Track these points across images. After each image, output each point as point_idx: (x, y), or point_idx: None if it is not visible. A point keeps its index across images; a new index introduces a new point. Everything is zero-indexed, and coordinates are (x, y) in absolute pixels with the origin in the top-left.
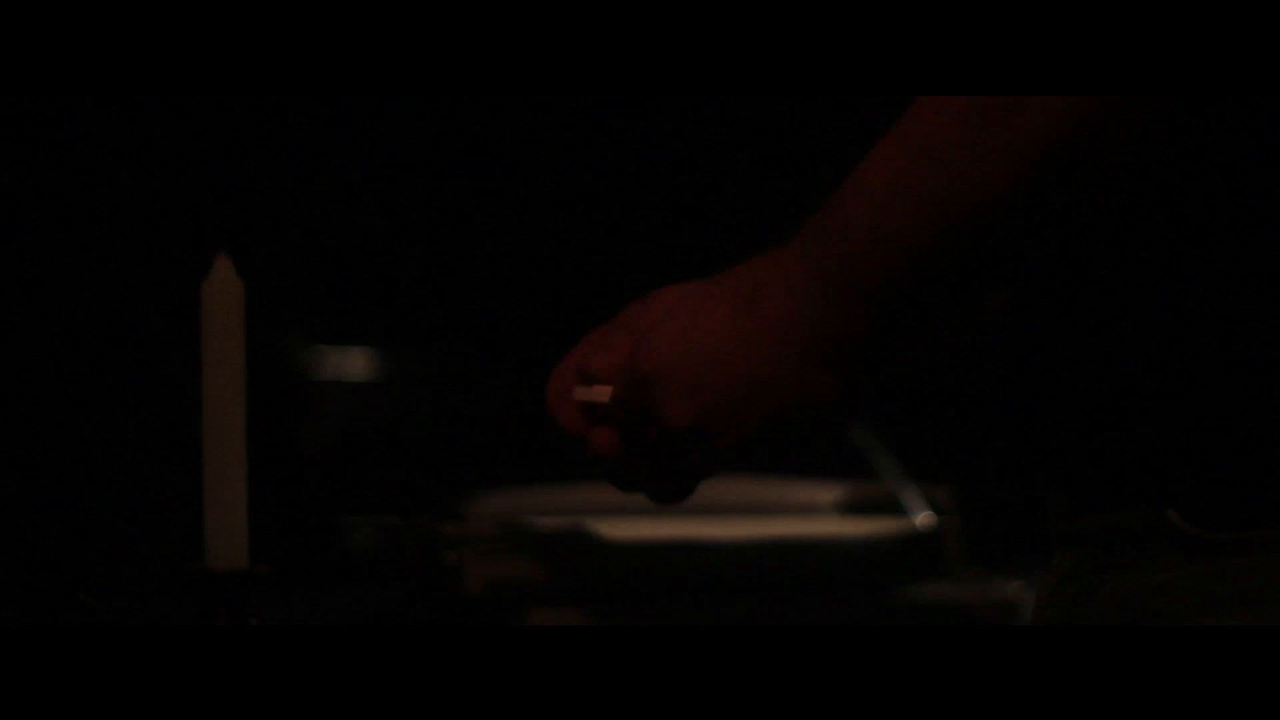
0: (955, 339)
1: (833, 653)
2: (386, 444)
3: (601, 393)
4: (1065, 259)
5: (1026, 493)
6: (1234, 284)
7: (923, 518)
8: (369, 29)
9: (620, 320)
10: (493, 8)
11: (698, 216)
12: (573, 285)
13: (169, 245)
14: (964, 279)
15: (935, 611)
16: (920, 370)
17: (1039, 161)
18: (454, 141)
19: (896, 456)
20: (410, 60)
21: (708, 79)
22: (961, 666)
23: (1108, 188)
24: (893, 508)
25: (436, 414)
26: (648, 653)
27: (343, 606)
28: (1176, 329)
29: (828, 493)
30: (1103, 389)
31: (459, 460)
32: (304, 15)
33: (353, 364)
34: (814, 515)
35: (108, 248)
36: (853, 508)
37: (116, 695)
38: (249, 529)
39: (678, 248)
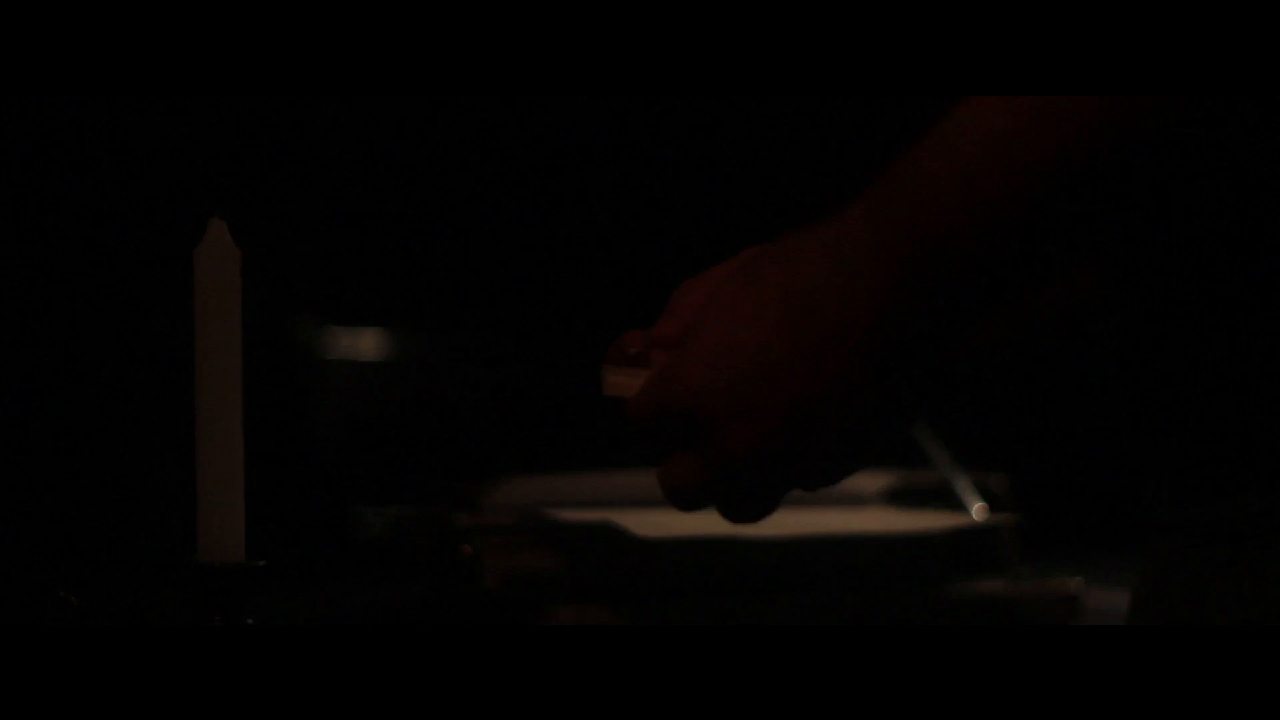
0: (1037, 325)
1: (881, 654)
2: (398, 429)
3: (629, 384)
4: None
5: (1091, 481)
6: None
7: (977, 509)
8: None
9: (675, 301)
10: None
11: (721, 197)
12: (600, 264)
13: (159, 208)
14: (1063, 258)
15: (992, 609)
16: (997, 360)
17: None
18: (478, 109)
19: (949, 443)
20: (432, 33)
21: (725, 75)
22: (1022, 668)
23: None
24: (945, 499)
25: (452, 397)
26: (681, 654)
27: (349, 604)
28: None
29: (875, 483)
30: (1214, 363)
31: (476, 446)
32: None
33: (363, 344)
34: (860, 507)
35: (89, 210)
36: (902, 499)
37: (101, 704)
38: (246, 520)
39: (703, 229)
